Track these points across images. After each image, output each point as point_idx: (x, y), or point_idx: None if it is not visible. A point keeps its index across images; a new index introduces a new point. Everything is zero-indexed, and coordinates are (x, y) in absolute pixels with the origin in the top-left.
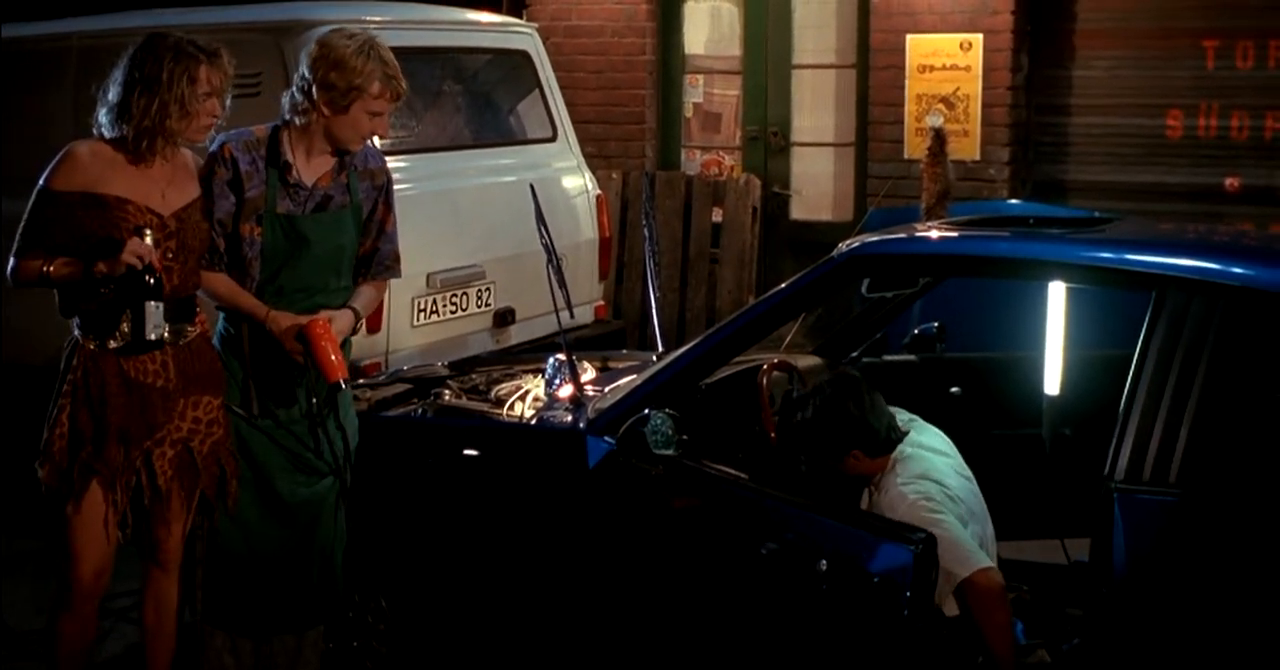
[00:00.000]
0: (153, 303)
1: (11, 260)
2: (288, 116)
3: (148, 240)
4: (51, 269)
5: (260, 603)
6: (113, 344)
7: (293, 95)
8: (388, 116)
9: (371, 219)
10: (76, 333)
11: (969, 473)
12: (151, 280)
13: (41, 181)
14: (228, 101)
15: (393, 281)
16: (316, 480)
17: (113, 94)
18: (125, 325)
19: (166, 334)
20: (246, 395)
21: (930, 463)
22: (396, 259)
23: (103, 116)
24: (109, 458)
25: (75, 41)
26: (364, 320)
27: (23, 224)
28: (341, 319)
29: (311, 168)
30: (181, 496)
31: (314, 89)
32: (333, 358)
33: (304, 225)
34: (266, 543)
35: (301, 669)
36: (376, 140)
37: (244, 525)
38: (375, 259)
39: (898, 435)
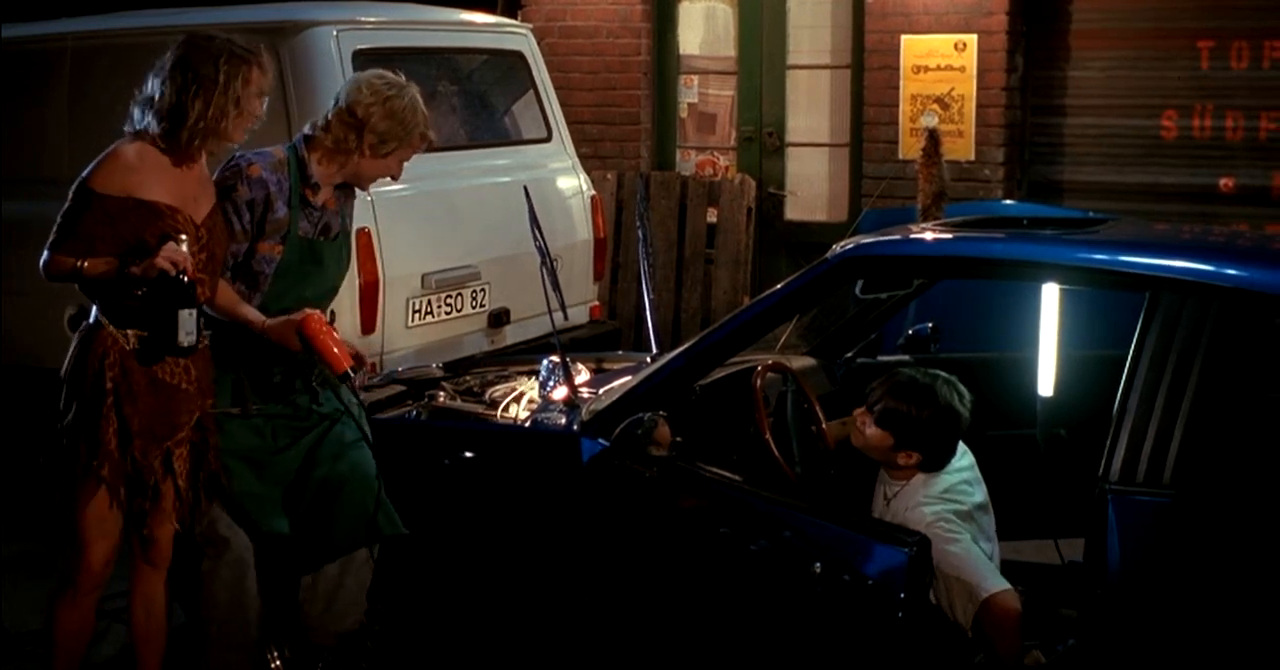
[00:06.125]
0: (186, 310)
1: (46, 253)
2: (328, 144)
3: (183, 247)
4: (86, 265)
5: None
6: (136, 344)
7: (331, 125)
8: None
9: None
10: (109, 326)
11: (979, 475)
12: (186, 287)
13: (84, 179)
14: (265, 103)
15: (388, 282)
16: (314, 430)
17: (161, 94)
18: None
19: (197, 340)
20: (240, 393)
21: (954, 479)
22: None
23: (149, 117)
24: (149, 454)
25: (70, 42)
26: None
27: (61, 218)
28: None
29: (323, 192)
30: (185, 495)
31: (364, 131)
32: (335, 350)
33: (323, 249)
34: (293, 507)
35: (342, 597)
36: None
37: (265, 508)
38: None
39: (944, 465)
